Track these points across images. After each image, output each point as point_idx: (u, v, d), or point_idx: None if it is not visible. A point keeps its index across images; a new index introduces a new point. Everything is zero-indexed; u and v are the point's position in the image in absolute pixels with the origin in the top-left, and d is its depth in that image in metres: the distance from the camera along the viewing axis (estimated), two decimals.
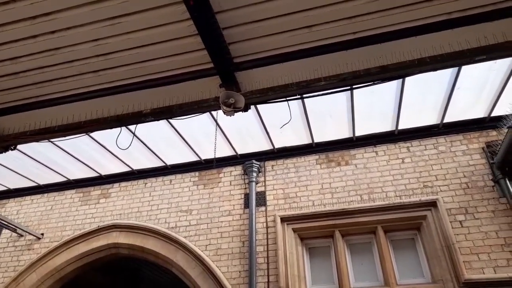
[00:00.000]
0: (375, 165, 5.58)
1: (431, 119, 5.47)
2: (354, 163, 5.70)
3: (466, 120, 5.45)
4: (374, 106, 5.15)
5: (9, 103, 3.79)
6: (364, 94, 4.82)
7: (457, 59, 3.03)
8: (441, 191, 5.10)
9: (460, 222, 4.81)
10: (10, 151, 4.19)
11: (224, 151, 6.10)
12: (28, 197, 7.05)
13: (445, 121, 5.43)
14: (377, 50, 3.18)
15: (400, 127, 5.56)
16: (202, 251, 5.55)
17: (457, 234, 4.71)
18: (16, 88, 3.60)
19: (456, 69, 4.46)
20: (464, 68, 4.41)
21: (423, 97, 5.02)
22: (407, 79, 4.49)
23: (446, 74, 4.60)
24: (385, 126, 5.59)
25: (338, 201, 5.41)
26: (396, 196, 5.23)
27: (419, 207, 5.06)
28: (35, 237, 6.43)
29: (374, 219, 5.15)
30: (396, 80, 4.46)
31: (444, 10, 2.91)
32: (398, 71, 3.17)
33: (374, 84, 3.39)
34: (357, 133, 5.72)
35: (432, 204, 5.00)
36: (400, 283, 4.81)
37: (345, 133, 5.76)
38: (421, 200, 5.07)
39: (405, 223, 5.11)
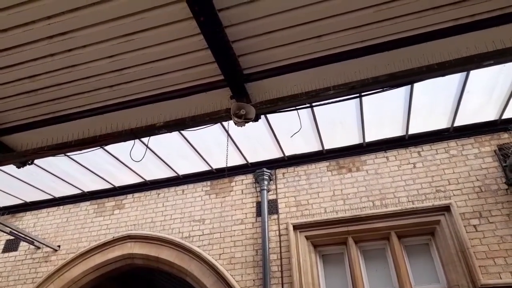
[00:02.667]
0: (386, 171, 5.58)
1: (442, 123, 5.46)
2: (365, 169, 5.70)
3: (477, 123, 5.43)
4: (383, 112, 5.17)
5: (27, 119, 3.91)
6: (373, 101, 4.85)
7: (465, 64, 3.06)
8: (454, 195, 5.07)
9: (475, 226, 4.77)
10: (27, 165, 4.31)
11: (235, 160, 6.16)
12: (44, 210, 7.18)
13: (455, 124, 5.42)
14: (385, 57, 3.22)
15: (410, 132, 5.56)
16: (216, 260, 5.58)
17: (472, 239, 4.67)
18: (34, 105, 3.72)
19: (465, 72, 4.47)
20: (473, 71, 4.41)
21: (432, 102, 5.02)
22: (416, 84, 4.51)
23: (455, 77, 4.61)
24: (395, 131, 5.60)
25: (351, 208, 5.42)
26: (409, 201, 5.21)
27: (432, 212, 5.04)
28: (52, 249, 6.54)
29: (387, 225, 5.14)
30: (405, 86, 4.48)
31: (451, 16, 2.94)
32: (407, 78, 3.20)
33: (383, 91, 3.42)
34: (367, 139, 5.73)
35: (446, 209, 4.97)
36: None
37: (355, 140, 5.78)
38: (434, 205, 5.05)
39: (419, 228, 5.09)
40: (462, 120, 5.38)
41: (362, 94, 3.53)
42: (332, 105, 4.52)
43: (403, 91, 4.76)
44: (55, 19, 2.82)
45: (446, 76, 3.58)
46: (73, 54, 3.14)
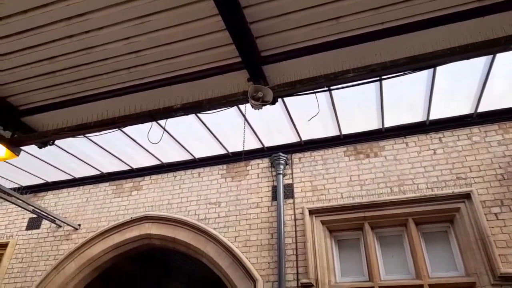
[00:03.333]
0: (405, 157, 5.47)
1: (464, 109, 5.29)
2: (384, 154, 5.61)
3: (502, 109, 5.22)
4: (403, 97, 5.03)
5: (47, 101, 4.00)
6: (393, 85, 4.72)
7: (491, 47, 2.93)
8: (475, 182, 4.94)
9: (495, 214, 4.65)
10: (48, 146, 4.41)
11: (251, 144, 6.15)
12: (65, 190, 7.38)
13: (479, 110, 5.23)
14: (405, 40, 3.12)
15: (432, 117, 5.41)
16: (231, 242, 5.65)
17: (492, 227, 4.56)
18: (54, 86, 3.78)
19: (490, 56, 4.29)
20: (499, 54, 4.23)
21: (455, 86, 4.85)
22: (438, 68, 4.36)
23: (480, 61, 4.42)
24: (416, 116, 5.45)
25: (368, 194, 5.36)
26: (428, 188, 5.11)
27: (452, 199, 4.93)
28: (72, 228, 6.75)
29: (405, 211, 5.07)
30: (427, 70, 4.33)
31: None
32: (428, 61, 3.10)
33: (404, 74, 3.33)
34: (386, 124, 5.61)
35: (466, 196, 4.86)
36: (433, 276, 4.73)
37: (373, 125, 5.66)
38: (454, 192, 4.94)
39: (438, 215, 5.00)
40: (486, 106, 5.18)
41: (382, 77, 3.43)
42: (351, 89, 4.38)
43: (424, 75, 4.61)
44: (73, 0, 2.82)
45: (471, 60, 3.46)
46: (90, 36, 3.16)
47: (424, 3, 2.85)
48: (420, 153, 5.43)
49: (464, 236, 4.72)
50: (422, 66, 3.15)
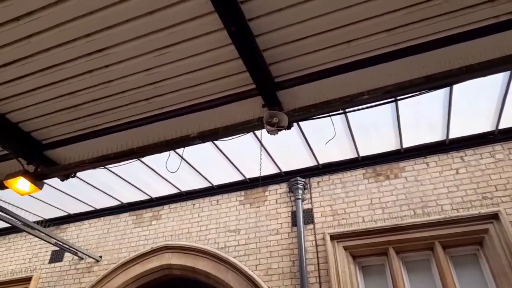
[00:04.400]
0: (427, 177, 5.33)
1: (485, 126, 5.16)
2: (404, 175, 5.48)
3: None
4: (421, 116, 4.97)
5: (69, 134, 4.12)
6: (410, 105, 4.67)
7: (509, 63, 2.88)
8: (502, 202, 4.75)
9: None
10: (70, 178, 4.51)
11: (269, 169, 6.13)
12: (86, 221, 7.46)
13: (500, 127, 5.10)
14: (420, 60, 3.11)
15: (451, 136, 5.30)
16: (252, 271, 5.54)
17: None
18: (75, 120, 3.91)
19: (508, 72, 4.22)
20: None
21: (474, 104, 4.77)
22: (455, 86, 4.31)
23: (498, 77, 4.36)
24: (435, 136, 5.36)
25: (390, 217, 5.21)
26: (453, 209, 4.93)
27: (480, 220, 4.74)
28: (94, 260, 6.76)
29: (431, 234, 4.88)
30: (444, 88, 4.29)
31: (491, 14, 2.80)
32: (445, 80, 3.07)
33: (419, 94, 3.30)
34: (405, 145, 5.52)
35: (494, 217, 4.66)
36: None
37: (392, 145, 5.58)
38: (481, 213, 4.75)
39: (465, 237, 4.79)
40: (508, 122, 5.06)
41: (398, 98, 3.41)
42: (366, 111, 4.39)
43: (441, 93, 4.56)
44: (93, 36, 2.97)
45: (488, 76, 3.41)
46: (110, 70, 3.28)
47: (439, 22, 2.85)
48: (442, 173, 5.28)
49: (495, 259, 4.49)
50: (439, 84, 3.12)
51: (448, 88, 4.42)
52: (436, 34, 2.95)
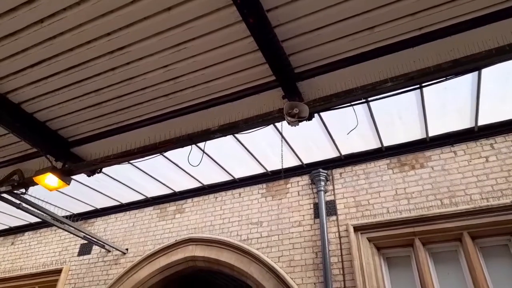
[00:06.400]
0: (454, 166, 5.17)
1: None
2: (430, 165, 5.34)
3: None
4: (448, 103, 4.80)
5: (94, 131, 4.21)
6: (436, 91, 4.52)
7: None
8: None
9: None
10: (96, 174, 4.62)
11: (290, 161, 6.09)
12: (113, 216, 7.66)
13: None
14: (447, 43, 2.99)
15: (480, 123, 5.10)
16: (275, 262, 5.55)
17: None
18: (99, 117, 3.99)
19: None
20: None
21: (504, 88, 4.56)
22: (484, 70, 4.14)
23: None
24: (463, 123, 5.17)
25: (416, 207, 5.09)
26: (482, 198, 4.77)
27: (511, 209, 4.57)
28: (120, 252, 6.95)
29: (459, 225, 4.75)
30: (471, 73, 4.12)
31: None
32: (473, 63, 2.94)
33: (446, 80, 3.18)
34: (431, 133, 5.36)
35: None
36: None
37: (417, 134, 5.43)
38: None
39: (496, 228, 4.63)
40: None
41: (423, 84, 3.30)
42: (390, 99, 4.31)
43: (469, 78, 4.38)
44: (113, 35, 3.00)
45: None
46: (131, 67, 3.31)
47: (466, 3, 2.73)
48: (470, 161, 5.11)
49: None
50: (466, 69, 2.99)
51: (476, 73, 4.25)
52: (462, 16, 2.82)
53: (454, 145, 5.33)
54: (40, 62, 3.25)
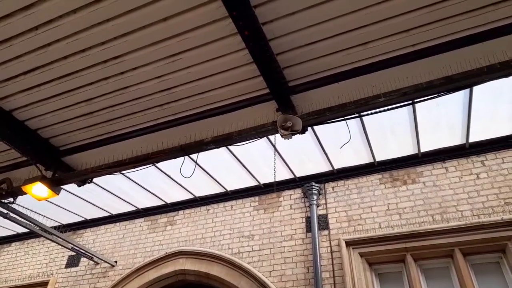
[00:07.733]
0: (445, 182, 5.19)
1: (507, 129, 5.01)
2: (422, 181, 5.36)
3: None
4: (439, 119, 4.85)
5: (85, 140, 4.18)
6: (428, 107, 4.57)
7: None
8: None
9: None
10: (87, 184, 4.56)
11: (283, 175, 6.08)
12: (102, 227, 7.52)
13: None
14: (439, 60, 3.04)
15: (471, 139, 5.16)
16: (266, 277, 5.47)
17: None
18: (91, 126, 3.96)
19: None
20: None
21: (495, 106, 4.63)
22: (475, 88, 4.20)
23: None
24: (454, 139, 5.22)
25: (407, 223, 5.08)
26: (474, 215, 4.79)
27: (502, 226, 4.57)
28: (109, 265, 6.81)
29: (450, 241, 4.74)
30: (463, 90, 4.18)
31: None
32: (465, 80, 2.99)
33: (438, 96, 3.22)
34: (423, 149, 5.40)
35: None
36: None
37: (409, 150, 5.47)
38: (503, 219, 4.58)
39: (487, 244, 4.64)
40: None
41: (415, 100, 3.34)
42: (383, 114, 4.33)
43: (461, 95, 4.44)
44: (108, 44, 3.00)
45: (510, 77, 3.30)
46: (125, 77, 3.31)
47: (458, 22, 2.78)
48: (461, 178, 5.14)
49: None
50: (458, 86, 3.03)
51: (468, 90, 4.31)
52: (455, 34, 2.88)
53: (445, 161, 5.37)
54: (33, 70, 3.23)
